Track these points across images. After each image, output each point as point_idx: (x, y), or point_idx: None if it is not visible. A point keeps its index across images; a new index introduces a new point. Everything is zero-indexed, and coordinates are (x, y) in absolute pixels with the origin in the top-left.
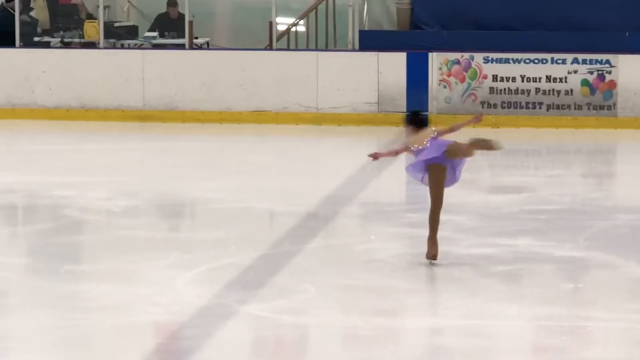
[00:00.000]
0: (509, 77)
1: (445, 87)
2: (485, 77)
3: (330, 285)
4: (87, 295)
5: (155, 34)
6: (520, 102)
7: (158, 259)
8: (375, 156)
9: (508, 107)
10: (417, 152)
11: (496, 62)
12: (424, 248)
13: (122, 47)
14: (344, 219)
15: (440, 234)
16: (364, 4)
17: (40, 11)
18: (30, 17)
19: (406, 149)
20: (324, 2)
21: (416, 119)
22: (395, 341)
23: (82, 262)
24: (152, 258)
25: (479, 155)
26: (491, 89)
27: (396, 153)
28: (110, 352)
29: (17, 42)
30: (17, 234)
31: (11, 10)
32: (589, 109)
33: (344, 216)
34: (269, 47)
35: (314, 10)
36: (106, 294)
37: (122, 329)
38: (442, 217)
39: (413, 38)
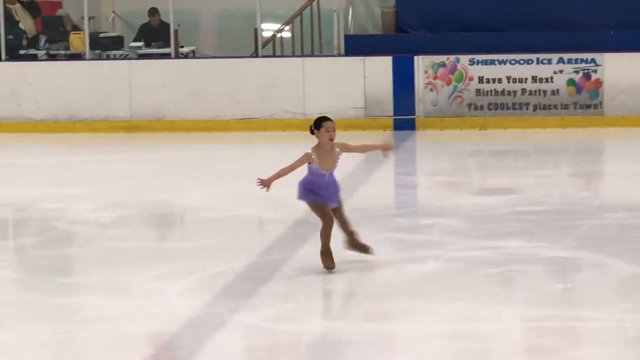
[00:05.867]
0: (495, 79)
1: (431, 90)
2: (471, 79)
3: (321, 291)
4: (78, 307)
5: (140, 44)
6: (506, 103)
7: (149, 270)
8: (265, 184)
9: (495, 109)
10: (319, 175)
11: (482, 64)
12: (414, 252)
13: (108, 57)
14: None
15: (429, 237)
16: (349, 8)
17: (24, 20)
18: (16, 29)
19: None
20: (309, 8)
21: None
22: (387, 346)
23: (73, 275)
24: (143, 269)
25: (468, 158)
26: (478, 91)
27: (293, 168)
28: None
29: (3, 56)
30: (7, 247)
31: None
32: (575, 108)
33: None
34: (255, 54)
35: (299, 16)
36: (98, 306)
37: (115, 341)
38: (431, 220)
39: (398, 42)
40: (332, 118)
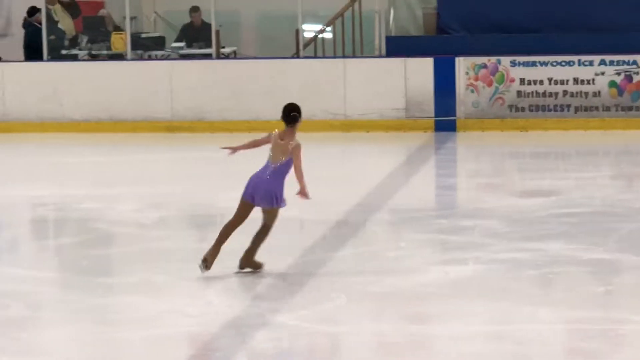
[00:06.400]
0: (537, 80)
1: (472, 91)
2: (512, 80)
3: (361, 292)
4: (118, 308)
5: (182, 44)
6: (548, 105)
7: (189, 270)
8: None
9: (536, 110)
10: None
11: (523, 66)
12: (454, 253)
13: (150, 58)
14: (373, 226)
15: (470, 239)
16: (390, 10)
17: (63, 21)
18: (57, 29)
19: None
20: (350, 9)
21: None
22: (427, 348)
23: (113, 275)
24: (183, 269)
25: (508, 159)
26: (519, 93)
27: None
28: None
29: (45, 56)
30: (48, 247)
31: (37, 24)
32: (617, 110)
33: (374, 223)
34: (296, 55)
35: (341, 17)
36: (138, 307)
37: (154, 341)
38: (471, 222)
39: (439, 43)
40: (373, 119)
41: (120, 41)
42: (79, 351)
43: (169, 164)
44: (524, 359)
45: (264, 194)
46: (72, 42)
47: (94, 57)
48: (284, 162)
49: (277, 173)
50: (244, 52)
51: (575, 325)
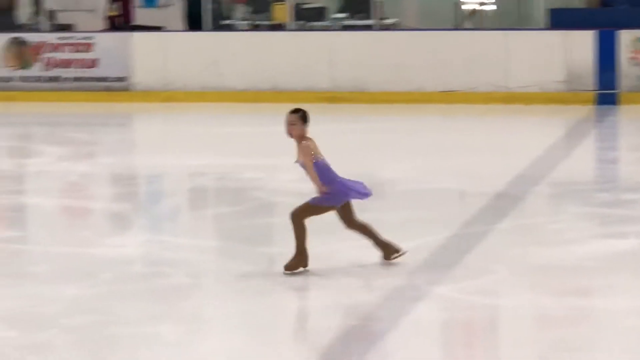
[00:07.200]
0: None
1: (635, 64)
2: None
3: (521, 265)
4: (278, 277)
5: (343, 15)
6: None
7: (348, 240)
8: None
9: None
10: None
11: None
12: (616, 227)
13: (311, 29)
14: (534, 199)
15: (632, 212)
16: None
17: None
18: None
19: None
20: None
21: (306, 116)
22: (588, 321)
23: (273, 244)
24: (343, 239)
25: None
26: None
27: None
28: (302, 334)
29: (205, 26)
30: (209, 216)
31: None
32: None
33: (535, 196)
34: (458, 27)
35: None
36: (297, 276)
37: (315, 311)
38: (634, 195)
39: (602, 15)
40: (534, 91)
41: (282, 11)
42: (239, 319)
43: (329, 134)
44: None
45: None
46: (231, 12)
47: (254, 28)
48: None
49: None
50: (405, 24)
51: None
